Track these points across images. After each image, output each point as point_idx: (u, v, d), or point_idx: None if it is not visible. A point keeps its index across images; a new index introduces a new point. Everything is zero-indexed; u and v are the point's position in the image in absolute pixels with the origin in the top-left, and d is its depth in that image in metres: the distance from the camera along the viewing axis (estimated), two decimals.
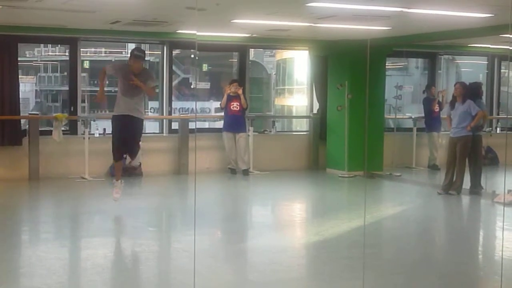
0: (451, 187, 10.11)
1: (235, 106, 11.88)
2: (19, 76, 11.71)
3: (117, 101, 8.19)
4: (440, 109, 12.85)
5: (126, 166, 11.54)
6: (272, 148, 12.75)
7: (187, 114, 14.02)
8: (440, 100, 12.89)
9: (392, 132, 13.19)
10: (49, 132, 11.19)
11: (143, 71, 8.21)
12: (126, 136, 8.21)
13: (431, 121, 13.10)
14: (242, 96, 11.87)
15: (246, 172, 11.90)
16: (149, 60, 23.90)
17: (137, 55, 8.13)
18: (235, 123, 11.94)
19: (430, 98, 13.12)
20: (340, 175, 12.05)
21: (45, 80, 22.87)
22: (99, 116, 16.03)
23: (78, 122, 11.72)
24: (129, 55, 8.31)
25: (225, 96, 11.92)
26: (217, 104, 12.33)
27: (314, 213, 9.58)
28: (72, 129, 11.78)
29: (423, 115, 13.35)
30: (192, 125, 12.21)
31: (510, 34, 9.44)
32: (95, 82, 23.32)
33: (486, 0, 7.74)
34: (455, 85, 10.34)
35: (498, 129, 14.85)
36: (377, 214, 8.83)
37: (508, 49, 12.60)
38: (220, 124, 12.49)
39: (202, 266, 5.88)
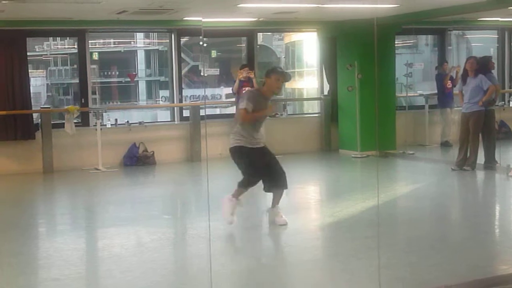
0: (465, 163, 10.06)
1: None
2: (30, 71, 11.77)
3: (242, 131, 7.00)
4: (453, 85, 12.75)
5: (139, 155, 11.64)
6: (284, 131, 12.72)
7: (198, 101, 14.03)
8: (454, 76, 12.79)
9: (404, 111, 13.13)
10: (62, 125, 11.25)
11: None
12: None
13: (443, 97, 13.01)
14: (254, 80, 11.84)
15: None
16: (157, 49, 23.99)
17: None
18: None
19: (443, 74, 13.03)
20: (353, 156, 12.03)
21: (55, 74, 22.96)
22: (110, 107, 16.09)
23: (90, 114, 11.76)
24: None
25: (237, 81, 11.89)
26: (227, 90, 12.32)
27: (329, 195, 9.58)
28: (84, 121, 11.84)
29: (434, 92, 13.26)
30: (203, 112, 12.21)
31: None
32: (105, 73, 23.41)
33: None
34: (468, 60, 10.23)
35: (511, 102, 14.72)
36: (391, 193, 8.82)
37: None
38: (232, 110, 12.47)
39: (218, 251, 5.91)
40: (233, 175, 10.98)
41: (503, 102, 14.15)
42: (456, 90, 11.84)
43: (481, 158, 10.16)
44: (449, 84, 12.83)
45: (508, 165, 9.80)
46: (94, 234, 7.41)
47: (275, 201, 7.09)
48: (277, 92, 7.10)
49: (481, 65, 10.14)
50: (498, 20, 13.56)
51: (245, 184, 7.05)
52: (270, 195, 7.14)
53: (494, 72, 11.46)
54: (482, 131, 10.08)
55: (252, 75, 11.81)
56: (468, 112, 10.00)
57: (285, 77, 7.02)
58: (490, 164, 10.18)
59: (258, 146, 6.96)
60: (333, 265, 5.80)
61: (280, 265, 5.81)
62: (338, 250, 6.20)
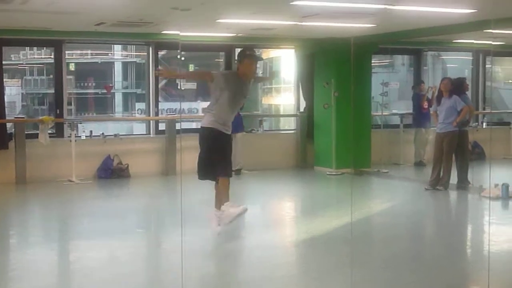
0: (439, 183, 10.15)
1: None
2: (4, 80, 11.66)
3: (219, 113, 6.87)
4: (430, 105, 12.90)
5: (114, 168, 11.56)
6: (260, 147, 12.74)
7: (174, 114, 13.99)
8: (430, 96, 12.93)
9: (379, 129, 13.24)
10: (36, 135, 11.14)
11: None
12: (221, 156, 6.98)
13: (420, 117, 13.16)
14: None
15: (238, 172, 11.78)
16: (135, 62, 23.96)
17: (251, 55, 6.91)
18: (234, 123, 11.78)
19: (420, 94, 13.19)
20: (328, 173, 12.08)
21: (31, 83, 22.79)
22: (86, 118, 16.01)
23: (65, 125, 11.67)
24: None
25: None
26: (204, 105, 12.28)
27: (303, 211, 9.59)
28: (58, 132, 11.74)
29: (410, 111, 13.41)
30: (178, 126, 12.18)
31: (493, 30, 9.52)
32: (81, 84, 23.29)
33: None
34: (443, 81, 10.37)
35: (484, 124, 14.92)
36: (365, 210, 8.86)
37: (491, 44, 12.68)
38: None
39: (191, 266, 5.87)
40: (208, 189, 10.95)
41: (477, 123, 14.38)
42: (431, 111, 11.99)
43: (454, 178, 10.27)
44: (425, 104, 12.98)
45: (481, 186, 9.91)
46: (66, 246, 7.34)
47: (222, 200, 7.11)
48: (252, 76, 6.96)
49: (456, 86, 10.29)
50: (472, 43, 13.77)
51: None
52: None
53: (468, 93, 11.62)
54: (455, 151, 10.19)
55: None
56: (442, 132, 10.11)
57: (258, 59, 7.03)
58: (463, 184, 10.29)
59: (228, 133, 7.00)
60: (308, 281, 5.79)
61: (254, 281, 5.79)
62: (313, 267, 6.20)
